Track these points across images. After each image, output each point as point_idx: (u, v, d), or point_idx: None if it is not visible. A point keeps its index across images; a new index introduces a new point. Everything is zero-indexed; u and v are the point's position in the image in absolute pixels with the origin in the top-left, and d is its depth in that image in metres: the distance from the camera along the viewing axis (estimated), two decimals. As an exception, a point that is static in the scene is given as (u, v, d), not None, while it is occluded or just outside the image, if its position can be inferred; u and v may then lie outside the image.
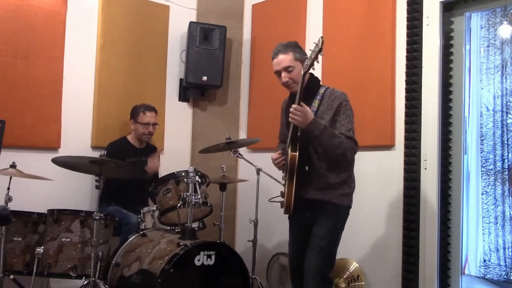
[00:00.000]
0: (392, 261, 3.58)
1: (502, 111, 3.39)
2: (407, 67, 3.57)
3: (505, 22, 3.38)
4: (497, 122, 3.42)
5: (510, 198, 3.34)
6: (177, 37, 4.78)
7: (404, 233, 3.51)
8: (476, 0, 3.37)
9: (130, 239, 3.48)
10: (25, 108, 3.92)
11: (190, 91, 4.76)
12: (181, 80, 4.78)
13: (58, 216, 3.34)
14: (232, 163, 4.68)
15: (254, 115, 4.75)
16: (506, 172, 3.36)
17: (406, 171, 3.53)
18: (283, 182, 2.96)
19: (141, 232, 3.50)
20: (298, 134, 2.76)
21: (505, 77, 3.38)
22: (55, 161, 3.24)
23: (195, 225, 3.63)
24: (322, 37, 2.62)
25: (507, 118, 3.37)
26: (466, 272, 3.48)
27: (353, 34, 3.92)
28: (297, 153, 2.75)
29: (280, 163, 2.96)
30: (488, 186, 3.45)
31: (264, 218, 3.95)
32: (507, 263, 3.34)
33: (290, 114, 2.70)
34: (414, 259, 3.44)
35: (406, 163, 3.53)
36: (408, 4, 3.58)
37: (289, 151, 2.77)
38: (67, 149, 3.94)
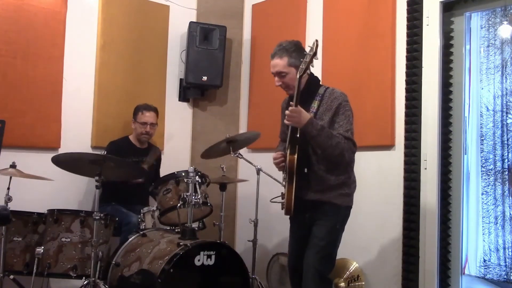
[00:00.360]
0: (392, 261, 3.58)
1: (502, 111, 3.39)
2: (407, 67, 3.57)
3: (505, 22, 3.38)
4: (497, 122, 3.42)
5: (510, 198, 3.34)
6: (177, 37, 4.78)
7: (404, 233, 3.51)
8: (476, 0, 3.37)
9: (130, 239, 3.48)
10: (25, 108, 3.92)
11: (190, 91, 4.76)
12: (181, 80, 4.78)
13: (58, 216, 3.34)
14: (232, 163, 4.68)
15: (254, 115, 4.75)
16: (506, 172, 3.36)
17: (406, 171, 3.53)
18: (283, 183, 2.96)
19: (141, 232, 3.50)
20: (297, 135, 2.76)
21: (505, 77, 3.38)
22: (55, 159, 3.24)
23: (195, 225, 3.63)
24: (316, 41, 2.61)
25: (507, 118, 3.37)
26: (466, 272, 3.48)
27: (353, 34, 3.92)
28: (295, 156, 2.75)
29: (280, 163, 2.96)
30: (488, 186, 3.45)
31: (264, 218, 3.95)
32: (507, 263, 3.34)
33: (286, 116, 2.71)
34: (414, 259, 3.44)
35: (406, 163, 3.53)
36: (408, 4, 3.58)
37: (288, 153, 2.77)
38: (67, 149, 3.93)
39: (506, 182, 3.36)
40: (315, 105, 2.87)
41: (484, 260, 3.45)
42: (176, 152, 4.73)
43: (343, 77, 3.87)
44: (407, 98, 3.56)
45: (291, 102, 2.73)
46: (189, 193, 3.38)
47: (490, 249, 3.43)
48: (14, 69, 3.89)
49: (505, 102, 3.38)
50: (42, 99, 4.00)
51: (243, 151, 4.26)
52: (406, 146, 3.54)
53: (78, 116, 4.20)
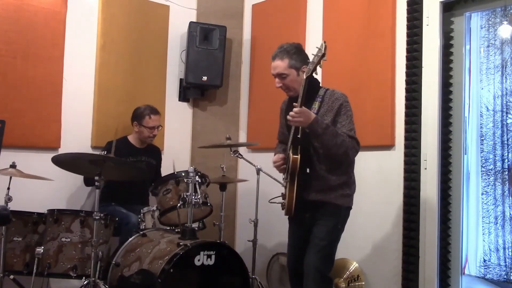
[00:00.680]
0: (392, 261, 3.58)
1: (502, 111, 3.39)
2: (407, 67, 3.57)
3: (505, 22, 3.38)
4: (497, 122, 3.42)
5: (510, 198, 3.34)
6: (177, 37, 4.78)
7: (404, 233, 3.51)
8: (476, 0, 3.37)
9: (130, 239, 3.48)
10: (25, 108, 3.92)
11: (190, 91, 4.76)
12: (181, 80, 4.78)
13: (58, 216, 3.34)
14: (232, 163, 4.68)
15: (254, 115, 4.75)
16: (506, 172, 3.36)
17: (406, 171, 3.53)
18: (283, 183, 2.96)
19: (141, 232, 3.50)
20: (299, 136, 2.76)
21: (505, 77, 3.38)
22: (55, 159, 3.24)
23: (195, 225, 3.63)
24: (324, 42, 2.63)
25: (507, 118, 3.37)
26: (466, 272, 3.48)
27: (353, 34, 3.92)
28: (298, 156, 2.76)
29: (281, 166, 2.96)
30: (488, 186, 3.45)
31: (264, 218, 3.95)
32: (507, 263, 3.34)
33: (290, 118, 2.71)
34: (414, 259, 3.44)
35: (406, 163, 3.53)
36: (408, 4, 3.58)
37: (290, 154, 2.78)
38: (67, 149, 3.92)
39: (506, 182, 3.36)
40: (315, 106, 2.88)
41: (484, 260, 3.45)
42: (176, 152, 4.73)
43: (343, 77, 3.87)
44: (407, 98, 3.56)
45: (294, 104, 2.73)
46: (189, 193, 3.38)
47: (490, 249, 3.43)
48: (14, 69, 3.89)
49: (505, 102, 3.38)
50: (42, 99, 4.00)
51: (243, 151, 4.27)
52: (406, 146, 3.54)
53: (78, 116, 4.20)
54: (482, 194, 3.48)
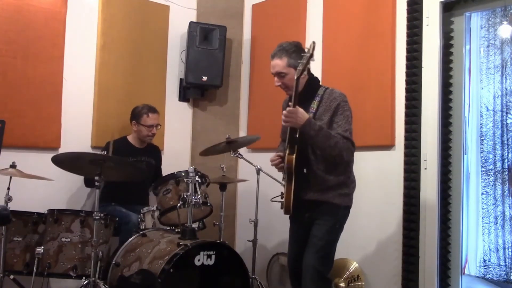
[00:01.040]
0: (392, 261, 3.58)
1: (502, 111, 3.39)
2: (407, 67, 3.57)
3: (505, 22, 3.38)
4: (497, 122, 3.42)
5: (510, 198, 3.34)
6: (177, 37, 4.78)
7: (404, 233, 3.51)
8: (476, 0, 3.37)
9: (130, 239, 3.48)
10: (25, 108, 3.92)
11: (190, 91, 4.76)
12: (181, 80, 4.78)
13: (58, 216, 3.34)
14: (232, 163, 4.68)
15: (254, 115, 4.75)
16: (506, 172, 3.36)
17: (406, 171, 3.53)
18: (283, 183, 2.96)
19: (141, 232, 3.50)
20: (297, 135, 2.76)
21: (505, 77, 3.38)
22: (55, 159, 3.24)
23: (195, 225, 3.63)
24: (313, 42, 2.63)
25: (507, 118, 3.37)
26: (466, 272, 3.48)
27: (353, 34, 3.92)
28: (294, 156, 2.76)
29: (278, 165, 2.96)
30: (488, 186, 3.45)
31: (264, 218, 3.95)
32: (507, 263, 3.34)
33: (283, 117, 2.71)
34: (414, 259, 3.44)
35: (406, 163, 3.53)
36: (408, 4, 3.58)
37: (287, 153, 2.78)
38: (67, 149, 3.92)
39: (506, 182, 3.36)
40: (314, 105, 2.88)
41: (484, 260, 3.45)
42: (176, 152, 4.73)
43: (343, 77, 3.87)
44: (407, 98, 3.56)
45: (289, 103, 2.73)
46: (189, 193, 3.38)
47: (490, 249, 3.43)
48: (14, 69, 3.89)
49: (505, 102, 3.38)
50: (42, 99, 4.00)
51: (243, 151, 4.26)
52: (406, 146, 3.54)
53: (78, 116, 4.20)
54: (482, 194, 3.48)
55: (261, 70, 4.64)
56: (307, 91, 2.87)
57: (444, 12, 3.46)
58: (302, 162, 2.79)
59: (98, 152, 3.62)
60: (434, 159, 3.40)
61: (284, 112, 2.71)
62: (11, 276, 3.29)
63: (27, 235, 3.36)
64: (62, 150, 3.98)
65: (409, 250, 3.47)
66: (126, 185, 3.86)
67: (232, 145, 3.77)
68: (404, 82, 3.58)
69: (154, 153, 4.31)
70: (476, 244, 3.50)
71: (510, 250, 3.33)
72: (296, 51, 2.88)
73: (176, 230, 3.55)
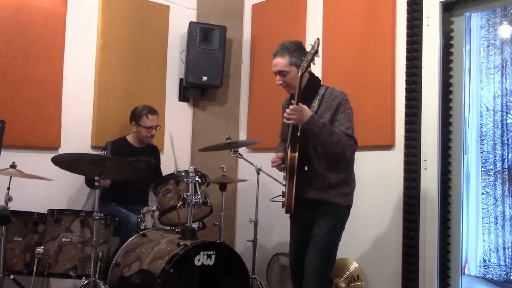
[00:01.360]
0: (392, 261, 3.58)
1: (502, 111, 3.40)
2: (407, 67, 3.57)
3: (505, 22, 3.38)
4: (497, 122, 3.42)
5: (510, 198, 3.34)
6: (177, 37, 4.78)
7: (404, 233, 3.51)
8: (476, 0, 3.37)
9: (130, 239, 3.48)
10: (25, 108, 3.92)
11: (190, 91, 4.76)
12: (181, 80, 4.78)
13: (58, 216, 3.34)
14: (232, 163, 4.68)
15: (254, 115, 4.75)
16: (506, 172, 3.36)
17: (406, 171, 3.53)
18: (284, 182, 2.97)
19: (141, 232, 3.50)
20: (298, 134, 2.77)
21: (505, 77, 3.38)
22: (55, 159, 3.24)
23: (195, 225, 3.63)
24: (318, 39, 2.64)
25: (507, 118, 3.37)
26: (466, 272, 3.48)
27: (353, 34, 3.92)
28: (296, 154, 2.76)
29: (279, 166, 2.97)
30: (488, 186, 3.45)
31: (264, 218, 3.95)
32: (507, 263, 3.34)
33: (286, 115, 2.71)
34: (414, 259, 3.44)
35: (406, 163, 3.53)
36: (408, 4, 3.58)
37: (289, 151, 2.78)
38: (67, 149, 3.92)
39: (506, 182, 3.36)
40: (315, 104, 2.88)
41: (484, 260, 3.45)
42: (176, 152, 4.73)
43: (343, 77, 3.87)
44: (407, 98, 3.56)
45: (292, 101, 2.73)
46: (189, 193, 3.38)
47: (490, 249, 3.43)
48: (14, 69, 3.89)
49: (505, 102, 3.38)
50: (42, 99, 4.00)
51: (243, 151, 4.27)
52: (406, 146, 3.54)
53: (78, 116, 4.19)
54: (482, 194, 3.48)
55: (261, 70, 4.64)
56: (308, 90, 2.87)
57: (444, 12, 3.46)
58: (303, 160, 2.79)
59: (98, 152, 3.62)
60: (434, 159, 3.40)
61: (288, 109, 2.71)
62: (11, 276, 3.29)
63: (27, 235, 3.36)
64: (62, 150, 3.98)
65: (409, 250, 3.47)
66: (126, 185, 3.87)
67: (232, 145, 3.78)
68: (404, 82, 3.58)
69: (153, 152, 4.31)
70: (476, 244, 3.50)
71: (510, 250, 3.33)
72: (298, 50, 2.88)
73: (176, 230, 3.55)
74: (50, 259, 3.28)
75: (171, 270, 3.03)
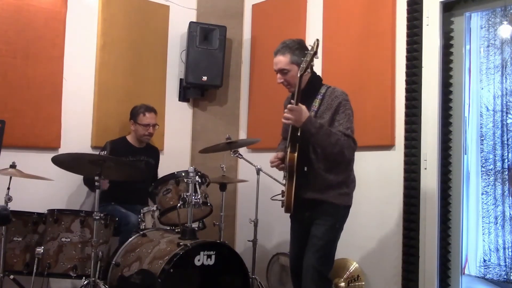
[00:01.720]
0: (392, 261, 3.58)
1: (502, 111, 3.40)
2: (407, 67, 3.57)
3: (505, 22, 3.38)
4: (497, 122, 3.42)
5: (510, 198, 3.34)
6: (177, 37, 4.78)
7: (404, 233, 3.51)
8: (476, 0, 3.38)
9: (130, 239, 3.48)
10: (25, 108, 3.92)
11: (190, 91, 4.76)
12: (181, 80, 4.78)
13: (58, 216, 3.34)
14: (232, 163, 4.68)
15: (254, 115, 4.75)
16: (506, 172, 3.36)
17: (406, 171, 3.53)
18: (283, 181, 2.96)
19: (141, 232, 3.50)
20: (298, 134, 2.76)
21: (505, 77, 3.38)
22: (55, 159, 3.24)
23: (195, 225, 3.63)
24: (317, 40, 2.64)
25: (507, 118, 3.37)
26: (466, 272, 3.48)
27: (353, 34, 3.92)
28: (295, 154, 2.76)
29: (278, 166, 2.97)
30: (488, 186, 3.45)
31: (264, 218, 3.95)
32: (507, 263, 3.34)
33: (284, 115, 2.71)
34: (414, 259, 3.44)
35: (406, 163, 3.53)
36: (408, 4, 3.58)
37: (289, 151, 2.78)
38: (67, 149, 3.92)
39: (506, 182, 3.36)
40: (316, 104, 2.88)
41: (484, 260, 3.45)
42: (176, 152, 4.73)
43: (343, 77, 3.87)
44: (407, 98, 3.56)
45: (292, 100, 2.73)
46: (189, 193, 3.38)
47: (490, 249, 3.43)
48: (14, 69, 3.89)
49: (505, 102, 3.38)
50: (42, 99, 4.00)
51: (243, 151, 4.27)
52: (406, 146, 3.54)
53: (78, 116, 4.20)
54: (482, 194, 3.48)
55: (261, 70, 4.64)
56: (309, 89, 2.87)
57: (444, 12, 3.46)
58: (303, 160, 2.78)
59: (98, 152, 3.62)
60: (434, 159, 3.40)
61: (286, 109, 2.71)
62: (11, 276, 3.29)
63: (27, 235, 3.36)
64: (62, 150, 3.98)
65: (409, 250, 3.47)
66: (126, 185, 3.87)
67: (232, 145, 3.78)
68: (404, 82, 3.58)
69: (153, 153, 4.31)
70: (476, 244, 3.50)
71: (510, 250, 3.33)
72: (299, 49, 2.88)
73: (176, 230, 3.55)
74: (50, 259, 3.28)
75: (171, 270, 3.03)
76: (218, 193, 3.94)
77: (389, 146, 3.66)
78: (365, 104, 3.70)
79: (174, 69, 4.77)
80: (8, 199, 3.17)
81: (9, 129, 3.21)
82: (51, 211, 3.37)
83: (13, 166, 3.29)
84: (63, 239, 3.31)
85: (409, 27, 3.57)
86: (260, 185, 3.80)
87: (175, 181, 3.62)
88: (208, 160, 4.45)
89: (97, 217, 3.17)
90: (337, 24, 4.06)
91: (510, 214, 3.34)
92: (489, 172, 3.45)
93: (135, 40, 4.50)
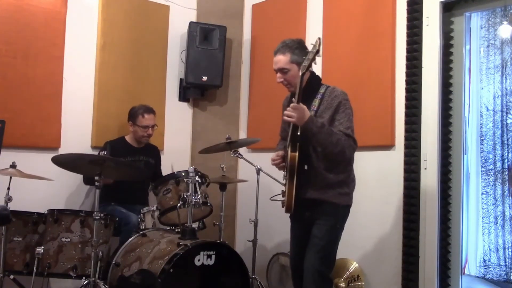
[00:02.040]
0: (392, 261, 3.58)
1: (502, 111, 3.40)
2: (407, 67, 3.57)
3: (505, 22, 3.38)
4: (497, 122, 3.42)
5: (510, 198, 3.34)
6: (177, 37, 4.78)
7: (404, 233, 3.51)
8: (476, 0, 3.38)
9: (130, 239, 3.48)
10: (25, 108, 3.92)
11: (190, 91, 4.76)
12: (181, 80, 4.78)
13: (58, 216, 3.34)
14: (232, 163, 4.68)
15: (254, 115, 4.75)
16: (506, 172, 3.37)
17: (406, 171, 3.53)
18: (284, 181, 2.97)
19: (141, 232, 3.50)
20: (298, 133, 2.76)
21: (505, 77, 3.38)
22: (55, 159, 3.24)
23: (195, 225, 3.63)
24: (319, 38, 2.64)
25: (507, 118, 3.37)
26: (466, 272, 3.48)
27: (353, 34, 3.92)
28: (296, 153, 2.76)
29: (279, 164, 2.96)
30: (488, 186, 3.45)
31: (264, 218, 3.95)
32: (507, 263, 3.34)
33: (286, 113, 2.71)
34: (414, 259, 3.44)
35: (406, 163, 3.53)
36: (408, 4, 3.58)
37: (289, 150, 2.78)
38: (67, 149, 3.93)
39: (506, 182, 3.36)
40: (315, 103, 2.88)
41: (484, 260, 3.46)
42: (176, 152, 4.72)
43: (343, 77, 3.87)
44: (407, 98, 3.56)
45: (293, 99, 2.73)
46: (189, 193, 3.38)
47: (490, 249, 3.43)
48: (14, 69, 3.89)
49: (505, 102, 3.38)
50: (42, 99, 4.00)
51: (243, 151, 4.27)
52: (406, 146, 3.54)
53: (78, 116, 4.20)
54: (482, 194, 3.48)
55: (261, 70, 4.64)
56: (308, 89, 2.87)
57: (444, 12, 3.46)
58: (303, 159, 2.78)
59: (97, 152, 3.62)
60: (434, 159, 3.40)
61: (288, 108, 2.71)
62: (11, 276, 3.29)
63: (27, 235, 3.36)
64: (62, 150, 3.98)
65: (409, 250, 3.47)
66: (126, 185, 3.87)
67: (232, 145, 3.78)
68: (404, 82, 3.58)
69: (152, 152, 4.30)
70: (476, 244, 3.50)
71: (510, 250, 3.33)
72: (299, 48, 2.89)
73: (176, 230, 3.55)
74: (50, 259, 3.28)
75: (171, 270, 3.03)
76: (218, 193, 3.94)
77: (389, 146, 3.66)
78: (365, 104, 3.70)
79: (174, 69, 4.77)
80: (8, 199, 3.17)
81: (9, 129, 3.21)
82: (51, 211, 3.37)
83: (13, 166, 3.29)
84: (63, 239, 3.31)
85: (409, 27, 3.57)
86: (260, 185, 3.80)
87: (175, 181, 3.62)
88: (208, 160, 4.45)
89: (97, 217, 3.17)
90: (337, 24, 4.06)
91: (510, 214, 3.34)
92: (489, 172, 3.45)
93: (135, 40, 4.50)
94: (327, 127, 2.75)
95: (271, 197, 3.24)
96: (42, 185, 3.67)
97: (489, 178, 3.45)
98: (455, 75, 3.47)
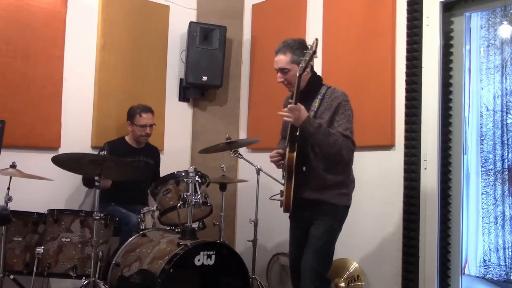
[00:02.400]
0: (392, 261, 3.58)
1: (502, 111, 3.40)
2: (407, 67, 3.57)
3: (505, 22, 3.38)
4: (497, 122, 3.42)
5: (510, 198, 3.34)
6: (177, 37, 4.78)
7: (404, 233, 3.52)
8: (476, 0, 3.38)
9: (130, 239, 3.48)
10: (25, 108, 3.92)
11: (190, 91, 4.76)
12: (181, 80, 4.78)
13: (58, 216, 3.34)
14: (232, 163, 4.68)
15: (254, 115, 4.75)
16: (506, 172, 3.36)
17: (406, 171, 3.53)
18: (283, 181, 2.96)
19: (141, 232, 3.50)
20: (297, 134, 2.76)
21: (505, 77, 3.38)
22: (55, 159, 3.24)
23: (195, 225, 3.63)
24: (316, 39, 2.64)
25: (507, 118, 3.37)
26: (466, 272, 3.48)
27: (353, 34, 3.92)
28: (294, 153, 2.76)
29: (278, 162, 2.96)
30: (488, 186, 3.45)
31: (264, 218, 3.95)
32: (507, 263, 3.34)
33: (281, 113, 2.71)
34: (414, 259, 3.44)
35: (406, 163, 3.53)
36: (408, 4, 3.58)
37: (287, 151, 2.78)
38: (67, 149, 3.92)
39: (506, 182, 3.36)
40: (316, 104, 2.88)
41: (484, 260, 3.45)
42: (176, 152, 4.73)
43: (343, 77, 3.87)
44: (407, 98, 3.56)
45: (290, 100, 2.73)
46: (189, 193, 3.38)
47: (490, 249, 3.43)
48: (14, 69, 3.89)
49: (505, 102, 3.38)
50: (42, 99, 4.00)
51: (243, 151, 4.27)
52: (406, 146, 3.54)
53: (78, 116, 4.20)
54: (482, 194, 3.48)
55: (261, 70, 4.64)
56: (309, 89, 2.87)
57: (444, 12, 3.46)
58: (301, 160, 2.78)
59: (97, 152, 3.61)
60: (434, 159, 3.40)
61: (286, 109, 2.71)
62: (11, 276, 3.29)
63: (27, 235, 3.36)
64: (62, 150, 3.98)
65: (409, 250, 3.47)
66: (126, 185, 3.87)
67: (232, 145, 3.78)
68: (404, 82, 3.58)
69: (152, 153, 4.30)
70: (476, 244, 3.50)
71: (510, 250, 3.33)
72: (300, 48, 2.88)
73: (176, 230, 3.55)
74: (50, 259, 3.28)
75: (171, 270, 3.03)
76: (218, 193, 3.94)
77: (389, 146, 3.66)
78: (365, 104, 3.70)
79: (174, 69, 4.77)
80: (8, 199, 3.17)
81: (9, 129, 3.21)
82: (51, 211, 3.37)
83: (13, 166, 3.29)
84: (63, 239, 3.31)
85: (409, 27, 3.57)
86: (260, 185, 3.80)
87: (175, 181, 3.62)
88: (208, 160, 4.45)
89: (97, 217, 3.17)
90: (337, 24, 4.06)
91: (510, 214, 3.34)
92: (489, 172, 3.45)
93: (135, 40, 4.50)
94: (324, 128, 2.75)
95: (271, 197, 3.24)
96: (42, 185, 3.67)
97: (489, 178, 3.45)
98: (455, 75, 3.47)
